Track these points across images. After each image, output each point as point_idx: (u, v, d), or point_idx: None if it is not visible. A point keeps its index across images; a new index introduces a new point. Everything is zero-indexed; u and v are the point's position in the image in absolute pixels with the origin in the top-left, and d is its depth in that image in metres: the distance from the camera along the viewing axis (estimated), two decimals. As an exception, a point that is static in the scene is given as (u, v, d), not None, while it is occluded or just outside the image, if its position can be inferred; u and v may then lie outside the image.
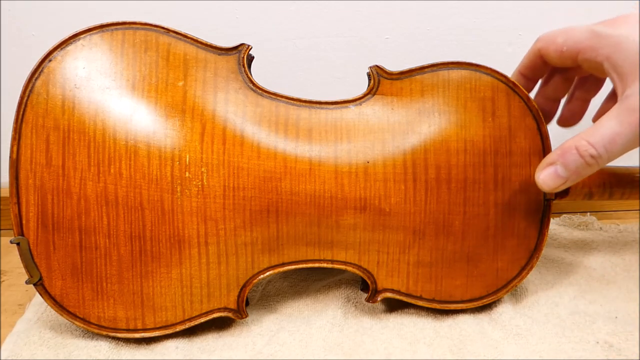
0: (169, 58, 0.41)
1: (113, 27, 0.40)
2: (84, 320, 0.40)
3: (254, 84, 0.41)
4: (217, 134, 0.40)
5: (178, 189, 0.39)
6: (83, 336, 0.41)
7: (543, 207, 0.43)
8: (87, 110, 0.39)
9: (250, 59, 0.43)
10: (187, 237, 0.39)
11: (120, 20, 0.41)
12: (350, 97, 0.43)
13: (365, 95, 0.42)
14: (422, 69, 0.42)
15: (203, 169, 0.40)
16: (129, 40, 0.40)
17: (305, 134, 0.41)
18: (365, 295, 0.43)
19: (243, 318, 0.41)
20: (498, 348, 0.40)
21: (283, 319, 0.44)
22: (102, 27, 0.40)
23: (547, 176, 0.38)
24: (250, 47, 0.42)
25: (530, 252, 0.43)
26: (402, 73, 0.42)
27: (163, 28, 0.41)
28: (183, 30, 0.42)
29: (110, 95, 0.39)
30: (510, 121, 0.42)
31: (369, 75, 0.43)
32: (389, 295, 0.43)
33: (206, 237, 0.40)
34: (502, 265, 0.43)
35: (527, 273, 0.43)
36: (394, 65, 0.63)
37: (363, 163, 0.41)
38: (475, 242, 0.42)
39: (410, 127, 0.42)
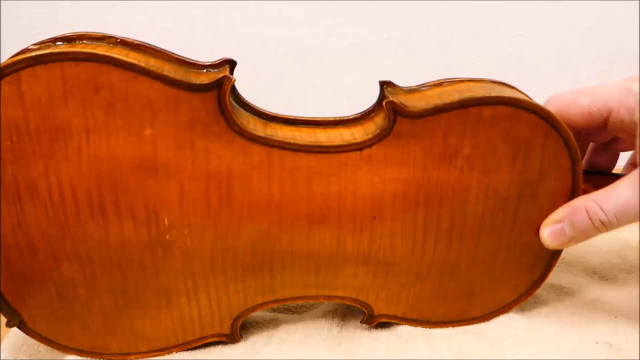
0: (128, 99, 0.32)
1: (48, 59, 0.30)
2: (77, 350, 0.39)
3: (240, 127, 0.33)
4: (198, 192, 0.34)
5: (159, 251, 0.36)
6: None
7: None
8: (35, 166, 0.32)
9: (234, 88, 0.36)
10: (174, 289, 0.37)
11: (57, 50, 0.30)
12: (358, 137, 0.35)
13: (377, 135, 0.35)
14: (450, 106, 0.34)
15: (185, 232, 0.35)
16: (71, 77, 0.31)
17: (304, 186, 0.35)
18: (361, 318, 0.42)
19: (238, 341, 0.41)
20: (497, 348, 0.40)
21: (281, 318, 0.44)
22: (32, 61, 0.30)
23: (552, 234, 0.37)
24: (233, 79, 0.32)
25: (534, 281, 0.42)
26: (425, 111, 0.34)
27: (114, 58, 0.31)
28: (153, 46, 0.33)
29: (60, 148, 0.32)
30: (543, 163, 0.37)
31: (381, 104, 0.36)
32: (384, 319, 0.42)
33: (195, 288, 0.38)
34: (504, 294, 0.42)
35: (526, 299, 0.42)
36: (393, 64, 0.63)
37: (369, 219, 0.37)
38: (481, 279, 0.41)
39: (427, 175, 0.36)
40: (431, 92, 0.36)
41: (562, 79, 0.63)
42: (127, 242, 0.35)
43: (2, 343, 0.41)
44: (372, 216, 0.37)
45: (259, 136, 0.34)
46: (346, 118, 0.37)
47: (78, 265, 0.35)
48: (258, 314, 0.44)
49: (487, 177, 0.37)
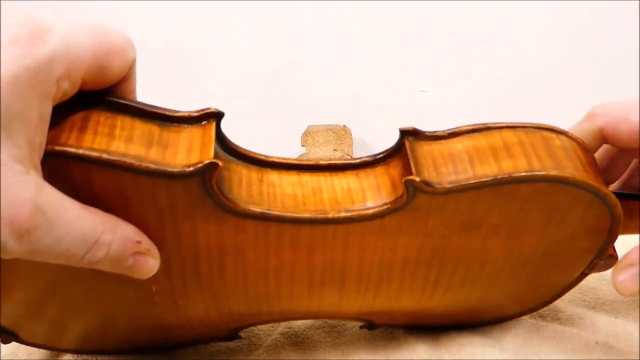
0: (94, 189, 0.26)
1: None
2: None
3: (231, 206, 0.28)
4: (187, 266, 0.31)
5: (151, 304, 0.34)
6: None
7: (573, 281, 0.38)
8: None
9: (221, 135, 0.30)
10: (169, 324, 0.37)
11: None
12: (370, 201, 0.30)
13: (390, 209, 0.30)
14: (481, 185, 0.29)
15: (175, 295, 0.33)
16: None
17: (306, 255, 0.31)
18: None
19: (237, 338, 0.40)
20: (496, 348, 0.40)
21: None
22: None
23: (627, 279, 0.33)
24: (220, 165, 0.26)
25: (543, 303, 0.40)
26: (451, 185, 0.29)
27: (69, 153, 0.25)
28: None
29: None
30: (579, 227, 0.33)
31: (400, 151, 0.31)
32: (384, 326, 0.41)
33: (190, 323, 0.37)
34: (507, 311, 0.41)
35: (528, 314, 0.41)
36: (393, 65, 0.63)
37: (376, 281, 0.34)
38: (488, 308, 0.39)
39: (444, 242, 0.32)
40: (460, 147, 0.30)
41: (562, 79, 0.63)
42: (121, 297, 0.32)
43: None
44: (380, 278, 0.34)
45: (253, 213, 0.28)
46: (357, 162, 0.32)
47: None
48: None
49: (512, 242, 0.33)
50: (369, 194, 0.30)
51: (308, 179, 0.31)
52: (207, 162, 0.26)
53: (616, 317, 0.43)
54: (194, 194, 0.27)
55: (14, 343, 0.40)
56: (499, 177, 0.29)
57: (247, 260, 0.31)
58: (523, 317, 0.42)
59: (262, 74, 0.62)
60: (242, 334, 0.40)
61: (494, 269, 0.34)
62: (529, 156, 0.30)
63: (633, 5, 0.61)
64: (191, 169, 0.26)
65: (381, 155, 0.32)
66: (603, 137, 0.33)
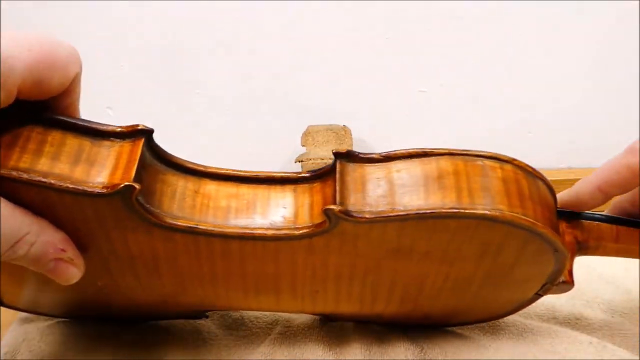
0: (25, 203, 0.27)
1: None
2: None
3: (157, 219, 0.28)
4: (125, 269, 0.33)
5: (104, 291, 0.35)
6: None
7: (528, 299, 0.37)
8: None
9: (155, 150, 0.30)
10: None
11: None
12: (300, 220, 0.30)
13: (315, 232, 0.29)
14: (404, 217, 0.28)
15: (128, 294, 0.35)
16: None
17: (238, 265, 0.32)
18: None
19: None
20: (491, 348, 0.40)
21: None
22: None
23: None
24: (137, 189, 0.26)
25: (502, 315, 0.40)
26: (372, 215, 0.28)
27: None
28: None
29: None
30: (518, 259, 0.32)
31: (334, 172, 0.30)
32: (338, 320, 0.41)
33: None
34: (463, 319, 0.40)
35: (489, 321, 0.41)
36: (393, 65, 0.63)
37: (311, 292, 0.34)
38: (438, 317, 0.39)
39: (377, 263, 0.32)
40: (394, 173, 0.30)
41: (562, 79, 0.63)
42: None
43: (3, 338, 0.41)
44: (314, 290, 0.34)
45: (181, 227, 0.29)
46: (296, 177, 0.31)
47: None
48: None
49: (448, 268, 0.32)
50: (301, 211, 0.30)
51: (245, 191, 0.31)
52: (124, 184, 0.26)
53: (612, 317, 0.43)
54: (119, 209, 0.27)
55: (14, 341, 0.41)
56: (421, 212, 0.28)
57: (180, 266, 0.32)
58: (517, 317, 0.42)
59: (262, 73, 0.62)
60: (241, 332, 0.41)
61: (433, 288, 0.34)
62: (460, 190, 0.29)
63: (633, 4, 0.61)
64: (109, 190, 0.26)
65: (319, 173, 0.31)
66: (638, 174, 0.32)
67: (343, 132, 0.58)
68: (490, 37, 0.61)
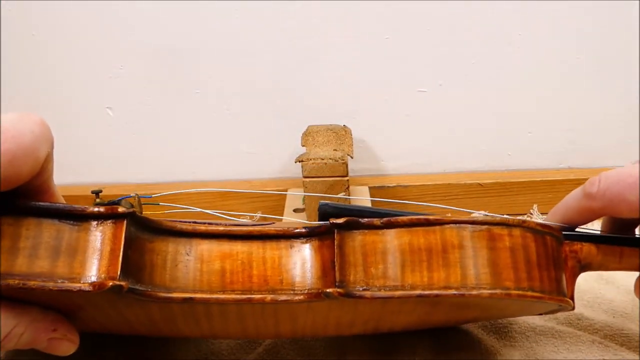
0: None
1: None
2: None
3: (151, 296, 0.26)
4: (125, 329, 0.34)
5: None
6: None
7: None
8: None
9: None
10: None
11: None
12: (298, 284, 0.28)
13: (315, 298, 0.28)
14: (407, 297, 0.28)
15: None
16: None
17: (237, 321, 0.32)
18: None
19: None
20: (494, 347, 0.40)
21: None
22: None
23: None
24: (125, 286, 0.25)
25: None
26: (375, 297, 0.27)
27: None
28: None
29: None
30: (522, 312, 0.37)
31: (332, 233, 0.29)
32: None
33: None
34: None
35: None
36: (393, 65, 0.63)
37: (312, 333, 0.38)
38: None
39: (377, 317, 0.33)
40: (396, 243, 0.28)
41: (562, 79, 0.63)
42: None
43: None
44: (315, 332, 0.38)
45: (175, 299, 0.27)
46: (291, 232, 0.29)
47: None
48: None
49: (454, 314, 0.35)
50: (299, 273, 0.29)
51: (239, 248, 0.29)
52: (110, 285, 0.25)
53: (614, 317, 0.43)
54: (109, 297, 0.26)
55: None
56: (425, 293, 0.27)
57: (178, 325, 0.32)
58: (520, 317, 0.42)
59: (261, 73, 0.62)
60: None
61: (438, 321, 0.36)
62: (466, 267, 0.28)
63: (633, 4, 0.61)
64: (96, 289, 0.25)
65: (315, 230, 0.29)
66: (602, 214, 0.33)
67: (343, 132, 0.58)
68: (490, 37, 0.61)
